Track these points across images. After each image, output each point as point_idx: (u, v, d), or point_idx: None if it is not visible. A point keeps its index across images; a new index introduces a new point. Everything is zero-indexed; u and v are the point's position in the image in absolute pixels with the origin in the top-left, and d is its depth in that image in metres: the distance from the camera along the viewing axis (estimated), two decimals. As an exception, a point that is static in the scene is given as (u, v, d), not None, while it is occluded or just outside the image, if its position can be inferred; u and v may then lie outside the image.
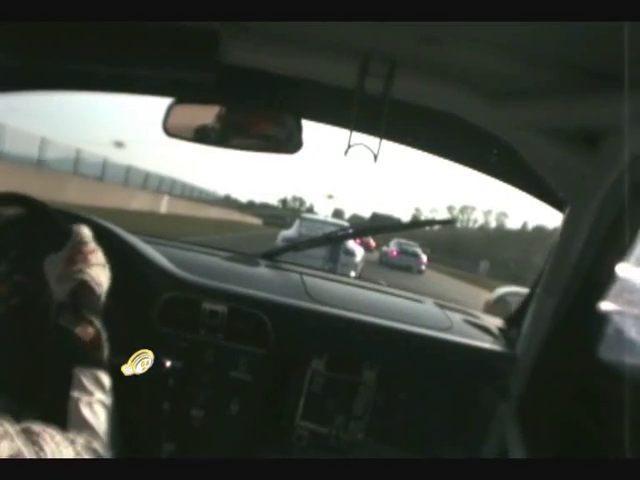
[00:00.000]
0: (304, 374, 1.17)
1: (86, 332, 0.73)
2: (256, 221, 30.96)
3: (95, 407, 0.68)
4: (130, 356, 0.89)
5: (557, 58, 0.76)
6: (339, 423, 1.17)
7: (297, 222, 8.53)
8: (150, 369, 0.91)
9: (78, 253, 0.81)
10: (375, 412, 1.17)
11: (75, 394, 0.68)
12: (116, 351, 0.91)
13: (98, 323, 0.76)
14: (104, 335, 0.76)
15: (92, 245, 0.84)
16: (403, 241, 15.90)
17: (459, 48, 0.77)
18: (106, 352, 0.75)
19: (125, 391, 0.94)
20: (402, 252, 15.18)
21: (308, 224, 8.04)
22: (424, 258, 15.77)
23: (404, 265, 14.44)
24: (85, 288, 0.77)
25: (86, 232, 0.86)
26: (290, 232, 8.36)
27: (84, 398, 0.68)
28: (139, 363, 0.89)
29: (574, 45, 0.71)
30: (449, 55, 0.80)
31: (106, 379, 0.72)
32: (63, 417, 0.66)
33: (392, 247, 15.60)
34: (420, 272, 15.15)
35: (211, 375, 1.13)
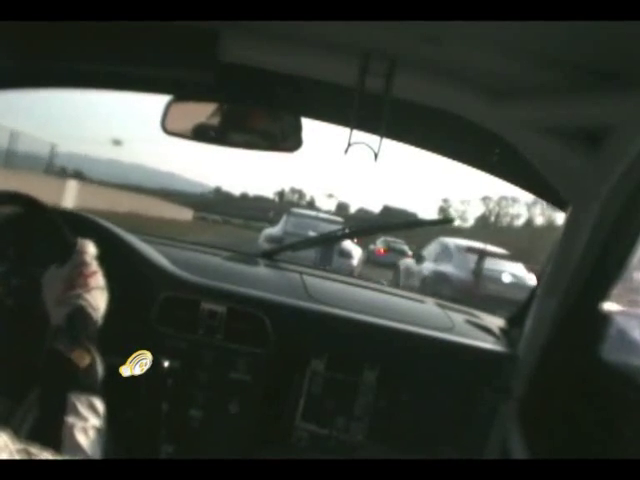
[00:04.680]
0: (304, 374, 1.16)
1: (81, 358, 0.73)
2: (185, 214, 23.29)
3: (90, 433, 0.68)
4: (128, 357, 0.88)
5: (559, 57, 0.75)
6: (339, 424, 1.16)
7: (284, 218, 7.62)
8: (148, 370, 0.90)
9: (78, 275, 0.80)
10: (376, 413, 1.17)
11: (70, 419, 0.68)
12: (114, 352, 0.91)
13: (94, 349, 0.76)
14: (99, 361, 0.76)
15: (93, 266, 0.83)
16: (390, 239, 15.58)
17: (460, 47, 0.77)
18: (101, 378, 0.75)
19: (123, 392, 0.93)
20: (389, 250, 14.82)
21: (296, 220, 7.20)
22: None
23: (391, 263, 14.16)
24: (82, 314, 0.77)
25: (90, 250, 0.85)
26: (275, 230, 7.48)
27: (79, 424, 0.68)
28: (137, 364, 0.88)
29: (576, 44, 0.70)
30: (450, 54, 0.80)
31: (100, 405, 0.72)
32: (57, 435, 0.66)
33: (379, 245, 15.34)
34: None
35: (210, 376, 1.12)
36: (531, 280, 5.54)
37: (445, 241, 7.19)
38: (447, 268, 6.43)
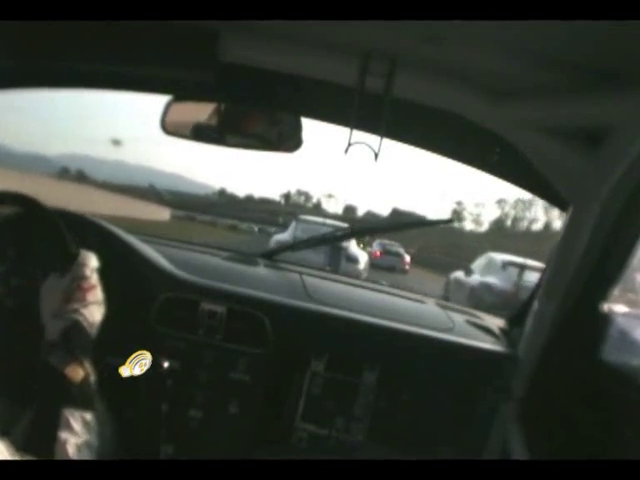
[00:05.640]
0: (304, 375, 1.16)
1: (76, 373, 0.73)
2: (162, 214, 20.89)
3: (83, 449, 0.68)
4: (128, 357, 0.88)
5: (559, 57, 0.75)
6: (339, 424, 1.16)
7: (292, 224, 8.11)
8: (148, 370, 0.90)
9: (77, 289, 0.80)
10: (376, 413, 1.17)
11: (63, 435, 0.68)
12: (114, 352, 0.91)
13: (88, 364, 0.76)
14: (93, 376, 0.76)
15: (92, 280, 0.83)
16: (386, 241, 15.66)
17: (460, 47, 0.77)
18: (95, 393, 0.75)
19: (123, 393, 0.93)
20: (385, 252, 15.00)
21: (304, 226, 7.57)
22: (407, 258, 15.71)
23: (388, 265, 14.21)
24: (77, 329, 0.77)
25: (91, 263, 0.85)
26: (284, 235, 7.92)
27: (72, 440, 0.68)
28: (137, 364, 0.88)
29: (576, 44, 0.70)
30: (450, 54, 0.80)
31: (94, 421, 0.72)
32: (50, 450, 0.66)
33: (375, 248, 15.45)
34: (404, 272, 15.03)
35: (210, 376, 1.12)
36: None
37: (491, 256, 8.04)
38: (492, 280, 7.13)
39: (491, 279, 7.16)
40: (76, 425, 0.69)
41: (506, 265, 7.19)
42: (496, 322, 1.33)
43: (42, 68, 1.01)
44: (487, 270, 7.55)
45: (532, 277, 6.46)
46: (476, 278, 7.54)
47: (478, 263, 8.15)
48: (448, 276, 9.21)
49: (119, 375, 0.87)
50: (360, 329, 1.16)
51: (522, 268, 6.67)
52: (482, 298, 6.74)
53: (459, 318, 1.31)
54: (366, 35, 0.79)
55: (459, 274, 8.49)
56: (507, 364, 1.11)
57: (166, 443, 1.11)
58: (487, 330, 1.26)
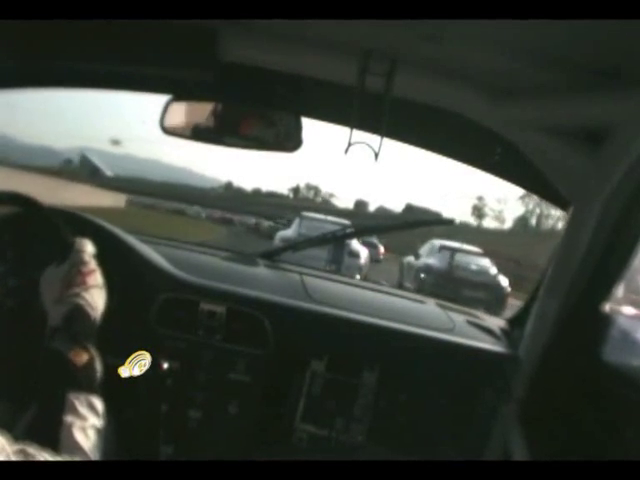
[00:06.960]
0: (304, 375, 1.16)
1: (80, 357, 0.73)
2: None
3: (89, 432, 0.68)
4: (127, 358, 0.88)
5: (560, 56, 0.75)
6: (339, 425, 1.16)
7: (296, 221, 8.28)
8: (147, 371, 0.90)
9: (77, 274, 0.80)
10: (376, 414, 1.16)
11: (68, 419, 0.67)
12: (114, 352, 0.90)
13: (92, 348, 0.76)
14: (98, 360, 0.76)
15: (92, 265, 0.83)
16: None
17: (461, 46, 0.77)
18: (100, 377, 0.75)
19: (122, 393, 0.93)
20: (363, 244, 15.91)
21: (308, 223, 7.74)
22: (381, 248, 16.78)
23: None
24: (80, 313, 0.77)
25: (88, 248, 0.85)
26: (288, 232, 8.13)
27: (77, 423, 0.67)
28: (136, 365, 0.88)
29: (577, 43, 0.70)
30: (450, 53, 0.80)
31: (99, 404, 0.72)
32: (55, 435, 0.66)
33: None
34: (378, 261, 16.11)
35: (209, 376, 1.12)
36: (493, 269, 8.65)
37: (434, 242, 9.32)
38: (431, 261, 8.62)
39: (430, 260, 8.58)
40: (82, 408, 0.69)
41: (441, 249, 8.67)
42: (497, 322, 1.33)
43: (42, 68, 1.01)
44: (429, 253, 8.97)
45: (465, 259, 8.59)
46: (422, 261, 8.93)
47: (425, 248, 9.47)
48: (401, 260, 10.48)
49: (119, 375, 0.87)
50: (360, 329, 1.15)
51: (454, 251, 8.47)
52: (421, 277, 8.30)
53: (459, 318, 1.30)
54: (366, 35, 0.79)
55: (410, 258, 9.84)
56: (508, 364, 1.11)
57: (166, 443, 1.11)
58: (488, 330, 1.25)
